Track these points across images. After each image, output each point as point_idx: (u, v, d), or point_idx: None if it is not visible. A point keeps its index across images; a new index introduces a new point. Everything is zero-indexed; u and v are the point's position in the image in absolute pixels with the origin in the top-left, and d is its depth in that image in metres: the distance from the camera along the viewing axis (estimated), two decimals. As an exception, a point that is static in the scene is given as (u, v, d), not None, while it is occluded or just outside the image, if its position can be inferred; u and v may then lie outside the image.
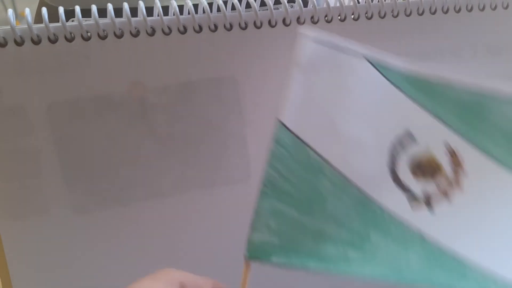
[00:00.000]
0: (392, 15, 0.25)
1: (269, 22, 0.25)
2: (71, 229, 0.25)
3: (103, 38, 0.23)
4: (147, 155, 0.25)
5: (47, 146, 0.24)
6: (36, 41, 0.23)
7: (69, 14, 0.23)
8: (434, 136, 0.22)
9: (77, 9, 0.23)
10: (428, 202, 0.21)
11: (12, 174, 0.24)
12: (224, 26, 0.24)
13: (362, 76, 0.21)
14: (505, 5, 0.27)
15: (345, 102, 0.21)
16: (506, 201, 0.22)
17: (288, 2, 0.24)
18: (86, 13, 0.23)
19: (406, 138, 0.22)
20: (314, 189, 0.21)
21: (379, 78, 0.21)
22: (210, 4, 0.24)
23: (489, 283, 0.21)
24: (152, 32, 0.23)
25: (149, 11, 0.24)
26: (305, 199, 0.21)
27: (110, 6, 0.23)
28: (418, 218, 0.21)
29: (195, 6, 0.24)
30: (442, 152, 0.22)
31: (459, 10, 0.26)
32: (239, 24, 0.24)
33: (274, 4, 0.24)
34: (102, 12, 0.23)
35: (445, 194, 0.22)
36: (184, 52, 0.24)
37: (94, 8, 0.23)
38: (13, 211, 0.25)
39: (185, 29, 0.24)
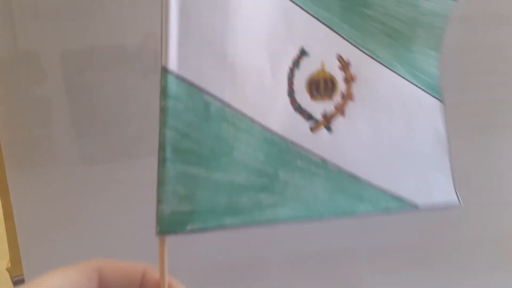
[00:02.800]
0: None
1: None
2: (79, 179, 0.25)
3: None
4: (158, 109, 0.25)
5: (58, 95, 0.24)
6: (52, -12, 0.23)
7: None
8: (326, 48, 0.21)
9: (94, -43, 0.23)
10: (327, 122, 0.21)
11: (22, 122, 0.24)
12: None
13: None
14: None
15: (233, 27, 0.19)
16: (395, 105, 0.22)
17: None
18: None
19: (300, 56, 0.20)
20: (219, 139, 0.19)
21: None
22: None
23: (382, 202, 0.22)
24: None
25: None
26: (211, 153, 0.19)
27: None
28: (319, 144, 0.21)
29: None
30: (336, 66, 0.21)
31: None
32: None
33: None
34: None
35: (341, 110, 0.21)
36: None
37: (111, -43, 0.23)
38: (22, 159, 0.25)
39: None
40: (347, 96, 0.21)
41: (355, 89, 0.21)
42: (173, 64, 0.18)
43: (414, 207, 0.22)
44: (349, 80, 0.21)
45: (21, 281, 0.27)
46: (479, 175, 0.30)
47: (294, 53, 0.20)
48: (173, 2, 0.18)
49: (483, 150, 0.30)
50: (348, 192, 0.21)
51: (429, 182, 0.23)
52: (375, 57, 0.22)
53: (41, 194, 0.26)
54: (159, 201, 0.18)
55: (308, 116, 0.21)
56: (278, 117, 0.20)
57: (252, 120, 0.20)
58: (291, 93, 0.20)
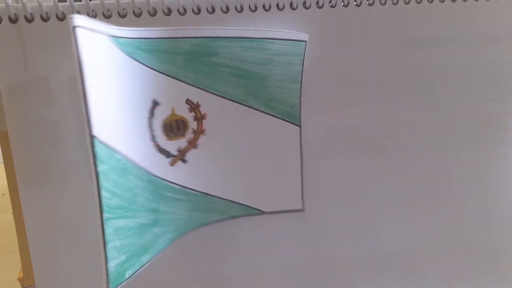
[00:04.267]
0: (392, 3, 0.27)
1: (277, 5, 0.26)
2: (87, 195, 0.27)
3: (123, 16, 0.25)
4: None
5: (66, 116, 0.26)
6: (61, 18, 0.24)
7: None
8: (175, 95, 0.24)
9: (99, -12, 0.24)
10: (181, 156, 0.25)
11: (33, 142, 0.26)
12: (235, 8, 0.26)
13: (107, 54, 0.21)
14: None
15: (105, 86, 0.21)
16: (248, 133, 0.26)
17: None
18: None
19: (153, 106, 0.23)
20: (129, 190, 0.22)
21: (119, 53, 0.22)
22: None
23: (230, 211, 0.26)
24: (168, 12, 0.25)
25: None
26: (127, 203, 0.22)
27: (129, -13, 0.25)
28: (178, 174, 0.24)
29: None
30: (185, 108, 0.24)
31: (455, -1, 0.28)
32: (249, 7, 0.26)
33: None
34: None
35: (193, 144, 0.25)
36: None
37: (115, -12, 0.24)
38: (33, 178, 0.26)
39: (199, 10, 0.26)
40: (199, 132, 0.25)
41: (207, 125, 0.25)
42: (95, 129, 0.20)
43: (259, 211, 0.26)
44: (199, 118, 0.25)
45: (33, 291, 0.29)
46: (473, 183, 0.31)
47: (149, 105, 0.23)
48: (87, 76, 0.20)
49: (476, 160, 0.31)
50: (203, 207, 0.25)
51: (277, 192, 0.27)
52: (225, 96, 0.25)
53: (51, 208, 0.27)
54: (106, 260, 0.20)
55: (167, 154, 0.24)
56: (150, 160, 0.23)
57: (139, 167, 0.23)
58: (153, 138, 0.24)
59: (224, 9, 0.25)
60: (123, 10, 0.25)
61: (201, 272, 0.29)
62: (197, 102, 0.24)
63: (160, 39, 0.23)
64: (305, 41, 0.25)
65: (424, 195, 0.31)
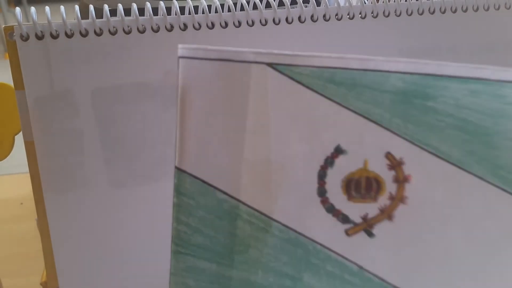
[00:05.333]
0: (395, 14, 0.29)
1: (286, 19, 0.28)
2: (109, 201, 0.28)
3: (142, 32, 0.26)
4: (177, 136, 0.28)
5: (89, 127, 0.27)
6: (84, 34, 0.26)
7: (99, 13, 0.26)
8: (370, 145, 0.18)
9: (120, 6, 0.26)
10: (368, 226, 0.19)
11: (58, 151, 0.27)
12: (247, 22, 0.27)
13: (266, 85, 0.18)
14: (496, 6, 0.30)
15: (251, 123, 0.18)
16: (465, 211, 0.19)
17: (303, 2, 0.28)
18: (114, 12, 0.26)
19: (336, 155, 0.18)
20: (232, 237, 0.18)
21: (290, 84, 0.18)
22: (235, 4, 0.27)
23: None
24: (184, 28, 0.27)
25: (181, 9, 0.27)
26: (224, 249, 0.19)
27: (148, 5, 0.26)
28: (355, 248, 0.19)
29: (222, 5, 0.27)
30: (384, 164, 0.18)
31: (455, 10, 0.29)
32: (260, 21, 0.28)
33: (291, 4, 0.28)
34: (140, 11, 0.26)
35: (387, 214, 0.19)
36: (212, 45, 0.27)
37: (134, 6, 0.26)
38: (57, 185, 0.28)
39: (213, 25, 0.27)
40: (398, 199, 0.19)
41: (410, 191, 0.19)
42: (186, 164, 0.18)
43: None
44: (400, 180, 0.19)
45: (57, 294, 0.30)
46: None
47: (328, 151, 0.18)
48: (186, 104, 0.18)
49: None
50: None
51: None
52: (439, 154, 0.18)
53: (74, 215, 0.29)
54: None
55: (343, 218, 0.19)
56: (303, 216, 0.18)
57: (270, 218, 0.18)
58: (322, 192, 0.19)
59: (237, 23, 0.27)
60: (142, 26, 0.26)
61: None
62: (401, 158, 0.18)
63: (361, 71, 0.18)
64: None
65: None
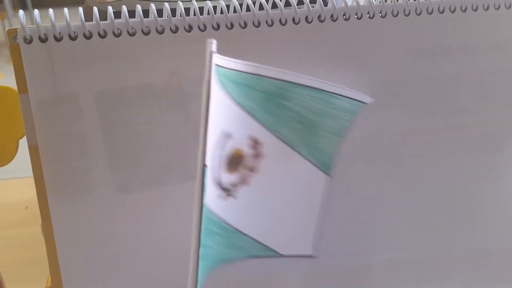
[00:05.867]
0: (404, 14, 0.28)
1: (293, 19, 0.27)
2: (113, 206, 0.28)
3: (147, 34, 0.26)
4: (183, 140, 0.28)
5: (94, 130, 0.27)
6: (88, 36, 0.25)
7: (103, 15, 0.26)
8: (243, 129, 0.25)
9: (124, 8, 0.26)
10: (233, 191, 0.25)
11: (62, 155, 0.27)
12: (253, 23, 0.27)
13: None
14: (507, 5, 0.29)
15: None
16: (292, 178, 0.26)
17: (310, 2, 0.27)
18: (119, 14, 0.26)
19: (224, 138, 0.24)
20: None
21: (216, 81, 0.23)
22: (240, 5, 0.27)
23: (253, 249, 0.27)
24: (189, 29, 0.26)
25: (186, 11, 0.26)
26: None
27: (152, 6, 0.26)
28: (227, 210, 0.25)
29: (227, 6, 0.27)
30: (248, 144, 0.25)
31: (465, 9, 0.29)
32: (266, 22, 0.27)
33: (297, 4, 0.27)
34: (145, 13, 0.26)
35: (246, 181, 0.25)
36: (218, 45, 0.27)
37: (138, 7, 0.26)
38: (62, 189, 0.28)
39: (218, 26, 0.27)
40: (253, 170, 0.26)
41: (262, 164, 0.26)
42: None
43: (277, 254, 0.27)
44: (257, 156, 0.25)
45: (62, 300, 0.30)
46: (489, 189, 0.32)
47: (217, 133, 0.23)
48: None
49: (491, 166, 0.32)
50: (232, 244, 0.26)
51: (293, 237, 0.28)
52: (283, 139, 0.26)
53: (79, 219, 0.28)
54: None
55: (223, 188, 0.25)
56: (210, 194, 0.24)
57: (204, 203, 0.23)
58: (215, 171, 0.24)
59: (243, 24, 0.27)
60: (147, 28, 0.26)
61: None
62: (260, 140, 0.25)
63: (248, 74, 0.24)
64: (365, 103, 0.27)
65: (440, 201, 0.32)
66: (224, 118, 0.23)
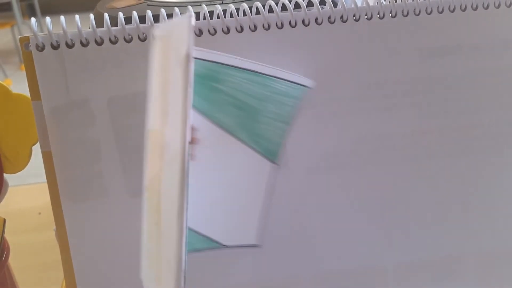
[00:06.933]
0: (414, 14, 0.28)
1: (303, 21, 0.27)
2: (127, 210, 0.28)
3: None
4: (194, 143, 0.28)
5: (106, 136, 0.27)
6: (99, 43, 0.26)
7: (114, 22, 0.26)
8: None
9: (134, 14, 0.26)
10: None
11: (75, 161, 0.27)
12: (263, 26, 0.27)
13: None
14: (508, 4, 0.29)
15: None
16: (231, 165, 0.26)
17: (319, 4, 0.27)
18: (129, 20, 0.26)
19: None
20: None
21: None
22: (250, 8, 0.27)
23: (194, 242, 0.26)
24: (200, 33, 0.26)
25: (197, 15, 0.27)
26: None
27: (163, 11, 0.26)
28: None
29: (237, 10, 0.27)
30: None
31: (476, 8, 0.28)
32: (276, 24, 0.27)
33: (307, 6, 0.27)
34: (155, 18, 0.26)
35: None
36: (228, 50, 0.27)
37: (149, 13, 0.26)
38: (75, 194, 0.28)
39: (228, 29, 0.27)
40: (191, 156, 0.25)
41: (197, 150, 0.25)
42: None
43: (222, 245, 0.27)
44: (192, 142, 0.25)
45: (78, 305, 0.30)
46: (503, 188, 0.32)
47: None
48: None
49: (503, 165, 0.31)
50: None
51: (237, 227, 0.27)
52: (219, 124, 0.25)
53: (93, 224, 0.28)
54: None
55: None
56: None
57: None
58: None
59: (252, 27, 0.27)
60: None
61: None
62: (194, 125, 0.24)
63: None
64: (308, 87, 0.26)
65: (454, 201, 0.31)
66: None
